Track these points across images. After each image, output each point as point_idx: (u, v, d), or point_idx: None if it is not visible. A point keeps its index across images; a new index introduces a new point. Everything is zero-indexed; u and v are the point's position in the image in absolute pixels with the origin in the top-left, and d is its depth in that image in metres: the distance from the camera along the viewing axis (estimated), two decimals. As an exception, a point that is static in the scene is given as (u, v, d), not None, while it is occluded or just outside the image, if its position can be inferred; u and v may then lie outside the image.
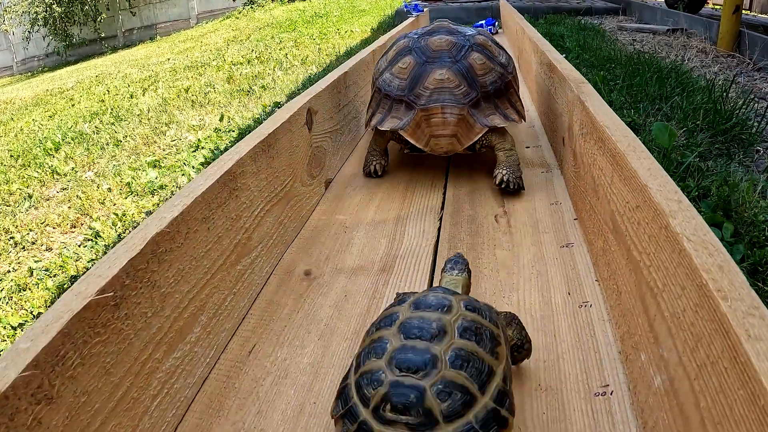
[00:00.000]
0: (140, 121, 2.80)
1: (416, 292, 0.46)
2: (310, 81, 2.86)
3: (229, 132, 2.23)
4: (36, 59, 10.47)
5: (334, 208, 0.92)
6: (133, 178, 1.99)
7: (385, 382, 0.38)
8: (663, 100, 1.97)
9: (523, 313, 0.59)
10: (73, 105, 4.00)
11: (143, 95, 3.46)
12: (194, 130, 2.40)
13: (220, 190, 0.61)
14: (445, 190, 0.95)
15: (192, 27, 9.42)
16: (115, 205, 1.84)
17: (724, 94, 1.89)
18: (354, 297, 0.66)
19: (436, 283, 0.57)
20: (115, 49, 9.63)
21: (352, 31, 4.80)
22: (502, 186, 0.89)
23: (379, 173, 1.02)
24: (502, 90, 0.95)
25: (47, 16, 9.48)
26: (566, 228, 0.78)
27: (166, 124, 2.59)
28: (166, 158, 2.13)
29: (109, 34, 10.02)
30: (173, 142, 2.30)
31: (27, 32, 9.61)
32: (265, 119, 2.30)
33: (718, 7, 4.72)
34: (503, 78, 0.96)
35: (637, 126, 1.72)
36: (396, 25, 3.58)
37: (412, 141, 0.92)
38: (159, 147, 2.32)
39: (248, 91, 2.84)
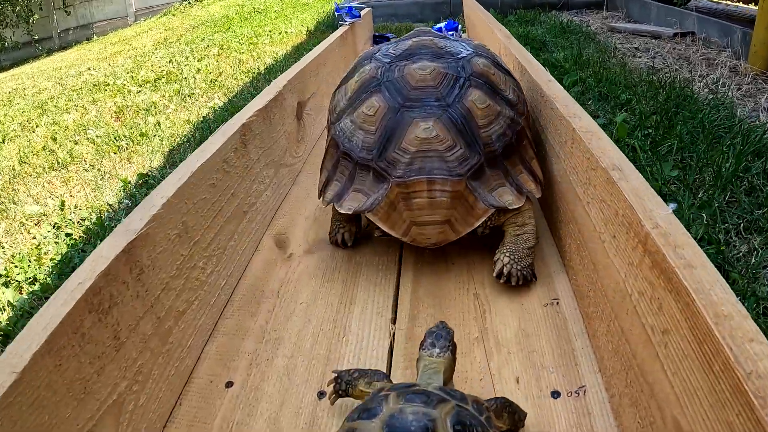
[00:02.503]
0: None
1: (385, 387, 0.37)
2: (194, 134, 1.97)
3: (59, 243, 1.34)
4: (-32, 65, 9.12)
5: None
6: None
7: None
8: (738, 182, 1.16)
9: None
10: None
11: (12, 141, 2.51)
12: (26, 227, 1.51)
13: None
14: None
15: (130, 25, 8.24)
16: None
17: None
18: None
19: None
20: (50, 52, 8.40)
21: (286, 32, 3.87)
22: (501, 280, 0.61)
23: (348, 243, 0.71)
24: (512, 145, 0.62)
25: (-25, 19, 8.18)
26: None
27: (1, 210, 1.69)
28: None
29: (45, 35, 8.74)
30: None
31: (-48, 38, 8.28)
32: (121, 216, 1.41)
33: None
34: (514, 126, 0.62)
35: (724, 261, 0.91)
36: (337, 28, 2.67)
37: (385, 229, 0.62)
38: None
39: (118, 148, 1.94)
